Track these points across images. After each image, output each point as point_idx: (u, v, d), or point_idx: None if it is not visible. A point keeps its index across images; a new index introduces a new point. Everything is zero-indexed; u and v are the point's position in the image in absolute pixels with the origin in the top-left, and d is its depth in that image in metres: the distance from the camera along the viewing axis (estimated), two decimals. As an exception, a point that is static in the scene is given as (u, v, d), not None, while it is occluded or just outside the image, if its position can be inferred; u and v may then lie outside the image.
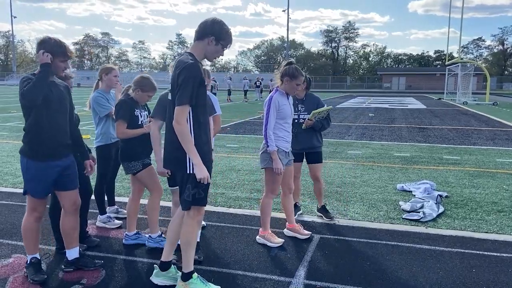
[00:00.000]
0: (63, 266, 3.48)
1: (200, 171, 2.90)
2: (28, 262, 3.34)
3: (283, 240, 4.18)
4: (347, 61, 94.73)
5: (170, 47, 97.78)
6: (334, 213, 5.12)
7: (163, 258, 3.26)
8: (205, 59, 3.10)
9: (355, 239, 4.30)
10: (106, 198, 4.74)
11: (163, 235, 3.98)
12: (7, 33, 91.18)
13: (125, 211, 4.90)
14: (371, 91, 59.55)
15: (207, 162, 3.02)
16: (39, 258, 3.40)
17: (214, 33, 2.93)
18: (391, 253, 3.96)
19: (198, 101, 2.92)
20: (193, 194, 2.97)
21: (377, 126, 14.79)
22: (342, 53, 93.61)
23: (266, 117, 3.98)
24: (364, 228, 4.61)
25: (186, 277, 3.12)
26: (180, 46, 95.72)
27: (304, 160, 5.00)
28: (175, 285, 3.18)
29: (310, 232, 4.37)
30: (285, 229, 4.38)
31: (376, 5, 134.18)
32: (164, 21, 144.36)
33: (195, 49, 3.00)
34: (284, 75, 4.00)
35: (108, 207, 4.79)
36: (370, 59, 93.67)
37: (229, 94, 31.68)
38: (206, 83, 3.14)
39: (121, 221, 4.64)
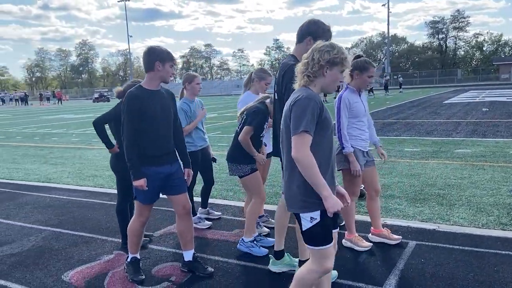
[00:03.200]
0: (180, 265, 3.64)
1: None
2: (129, 261, 3.57)
3: (371, 244, 3.93)
4: (457, 52, 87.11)
5: (268, 52, 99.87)
6: (434, 217, 4.67)
7: (275, 248, 3.54)
8: None
9: (457, 247, 3.86)
10: (200, 199, 4.93)
11: (255, 242, 3.97)
12: (125, 51, 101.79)
13: (216, 212, 5.07)
14: (486, 84, 53.86)
15: None
16: (139, 258, 3.60)
17: (311, 32, 3.18)
18: (502, 263, 3.46)
19: None
20: None
21: (492, 122, 13.28)
22: (451, 45, 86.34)
23: (338, 117, 3.78)
24: (470, 235, 4.11)
25: None
26: (277, 51, 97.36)
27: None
28: (291, 271, 3.44)
29: (400, 237, 4.03)
30: (370, 234, 4.11)
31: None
32: (262, 28, 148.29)
33: (296, 51, 3.22)
34: (354, 69, 3.78)
35: (200, 208, 4.97)
36: (484, 49, 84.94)
37: (325, 95, 31.28)
38: None
39: (211, 222, 4.77)
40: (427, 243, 3.97)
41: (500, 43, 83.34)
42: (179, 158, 3.56)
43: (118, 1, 77.75)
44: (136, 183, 3.23)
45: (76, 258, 3.97)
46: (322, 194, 2.24)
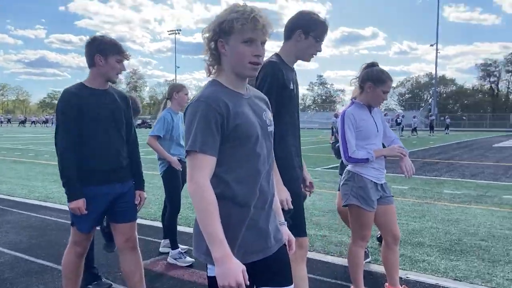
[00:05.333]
0: None
1: None
2: None
3: (383, 306, 3.01)
4: (510, 97, 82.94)
5: (311, 88, 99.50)
6: (472, 275, 3.67)
7: None
8: (300, 59, 2.60)
9: (500, 320, 2.87)
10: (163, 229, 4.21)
11: None
12: (171, 81, 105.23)
13: (189, 258, 4.32)
14: (542, 130, 50.33)
15: (294, 191, 2.38)
16: None
17: (300, 25, 2.49)
18: None
19: (279, 107, 2.37)
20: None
21: (549, 168, 11.78)
22: (503, 88, 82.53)
23: (343, 138, 2.97)
24: (518, 305, 3.10)
25: None
26: (320, 87, 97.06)
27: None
28: None
29: (424, 301, 3.09)
30: (384, 292, 3.19)
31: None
32: (307, 65, 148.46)
33: (283, 49, 2.58)
34: (366, 79, 2.99)
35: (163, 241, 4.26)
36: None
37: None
38: None
39: (193, 259, 4.00)
40: (458, 312, 3.00)
41: (558, 89, 78.61)
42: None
43: (169, 34, 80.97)
44: (72, 204, 2.55)
45: (18, 291, 3.31)
46: (212, 253, 1.46)
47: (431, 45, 60.77)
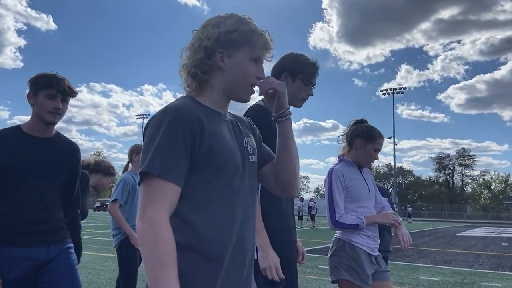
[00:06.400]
0: None
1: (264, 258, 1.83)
2: None
3: None
4: (465, 189, 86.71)
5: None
6: None
7: None
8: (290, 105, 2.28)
9: None
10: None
11: None
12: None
13: None
14: (498, 222, 51.90)
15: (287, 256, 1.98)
16: None
17: (286, 67, 2.24)
18: None
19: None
20: None
21: (516, 256, 11.74)
22: (458, 181, 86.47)
23: (330, 199, 2.63)
24: None
25: None
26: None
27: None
28: None
29: None
30: None
31: (490, 134, 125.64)
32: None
33: None
34: (356, 136, 2.75)
35: None
36: (492, 187, 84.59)
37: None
38: None
39: None
40: None
41: (509, 183, 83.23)
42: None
43: (137, 119, 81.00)
44: None
45: None
46: None
47: (389, 138, 63.80)
